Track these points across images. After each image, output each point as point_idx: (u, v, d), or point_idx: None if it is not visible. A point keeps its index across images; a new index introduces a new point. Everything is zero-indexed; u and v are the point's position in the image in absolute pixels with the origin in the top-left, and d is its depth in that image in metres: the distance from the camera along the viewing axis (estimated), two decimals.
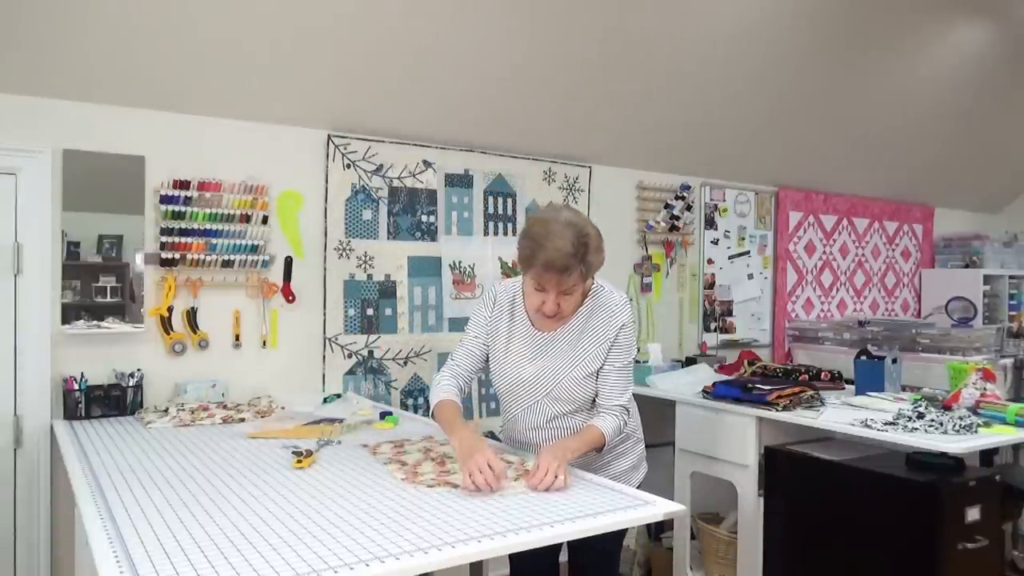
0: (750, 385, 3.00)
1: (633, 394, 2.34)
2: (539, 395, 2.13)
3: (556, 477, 1.80)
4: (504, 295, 2.20)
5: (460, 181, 3.58)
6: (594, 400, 2.13)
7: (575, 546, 2.14)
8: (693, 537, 3.42)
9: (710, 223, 4.53)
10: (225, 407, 2.75)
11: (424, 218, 3.47)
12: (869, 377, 3.19)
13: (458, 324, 3.55)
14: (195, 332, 2.95)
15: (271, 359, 3.11)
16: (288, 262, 3.13)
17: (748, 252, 4.73)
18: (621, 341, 2.09)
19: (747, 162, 4.57)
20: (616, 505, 1.71)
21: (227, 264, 2.98)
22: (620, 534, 2.19)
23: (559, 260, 1.91)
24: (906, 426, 2.54)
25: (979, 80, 4.84)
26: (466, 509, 1.64)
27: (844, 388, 3.35)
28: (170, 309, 2.89)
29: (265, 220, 3.05)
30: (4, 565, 2.67)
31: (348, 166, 3.28)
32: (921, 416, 2.58)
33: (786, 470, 2.80)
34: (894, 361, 3.24)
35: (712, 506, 3.48)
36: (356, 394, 3.25)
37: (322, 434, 2.38)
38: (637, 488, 2.02)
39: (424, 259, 3.47)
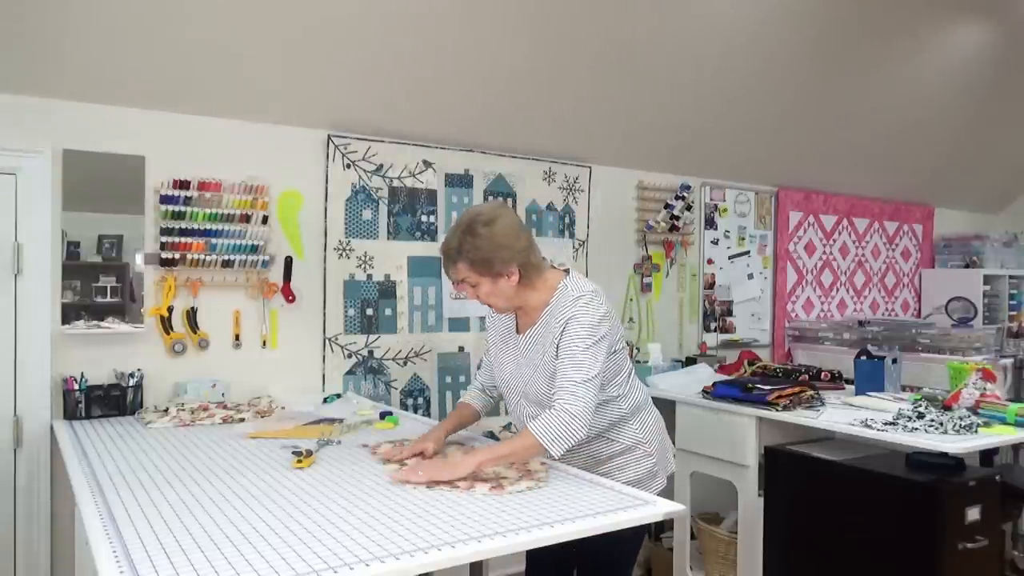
0: (750, 385, 3.00)
1: (642, 400, 2.25)
2: (517, 395, 2.16)
3: (418, 474, 1.86)
4: None
5: (460, 181, 3.58)
6: None
7: (585, 554, 2.13)
8: (693, 537, 3.42)
9: (710, 223, 4.53)
10: (225, 407, 2.75)
11: (424, 218, 3.47)
12: (869, 377, 3.19)
13: (458, 324, 3.56)
14: (195, 332, 2.95)
15: (271, 359, 3.11)
16: (288, 262, 3.13)
17: (748, 252, 4.73)
18: (567, 334, 1.97)
19: (747, 162, 4.57)
20: (616, 505, 1.71)
21: (227, 264, 2.98)
22: (635, 544, 2.15)
23: (443, 251, 2.05)
24: (906, 426, 2.54)
25: (979, 80, 4.84)
26: (466, 509, 1.64)
27: (844, 388, 3.35)
28: (170, 309, 2.89)
29: (265, 220, 3.05)
30: (4, 565, 2.67)
31: (348, 166, 3.28)
32: (921, 416, 2.58)
33: (786, 470, 2.80)
34: (894, 361, 3.24)
35: (712, 506, 3.48)
36: (356, 394, 3.25)
37: (322, 434, 2.38)
38: None
39: (424, 259, 3.47)
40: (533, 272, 2.04)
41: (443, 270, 2.19)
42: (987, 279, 5.56)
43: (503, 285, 2.01)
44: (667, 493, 2.10)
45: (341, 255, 3.27)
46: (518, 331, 2.15)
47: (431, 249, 3.48)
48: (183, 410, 2.65)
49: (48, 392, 2.70)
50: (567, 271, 2.11)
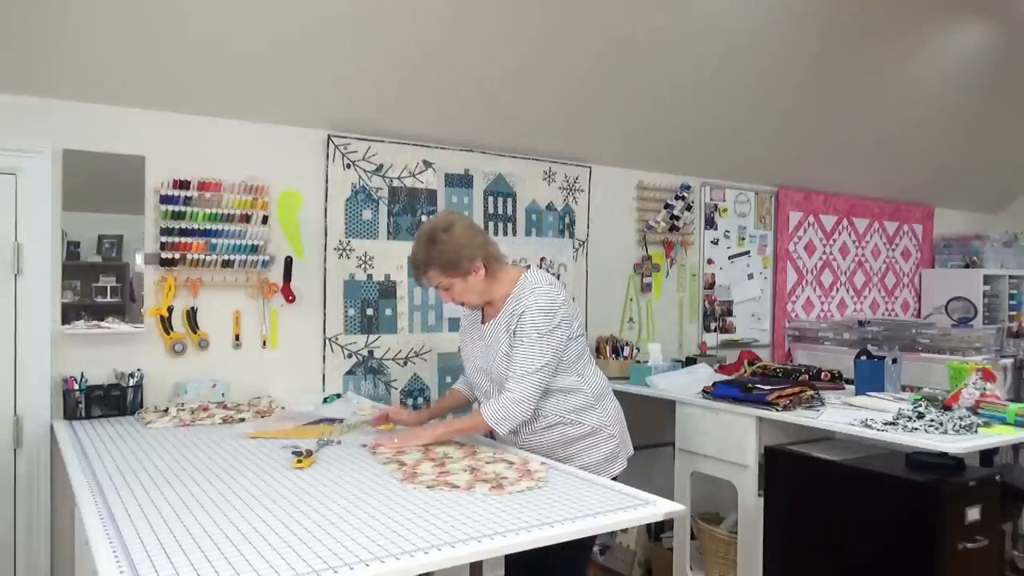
0: (750, 385, 3.00)
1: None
2: (485, 379, 2.34)
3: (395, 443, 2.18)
4: None
5: (460, 181, 3.58)
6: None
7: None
8: (693, 537, 3.41)
9: (710, 223, 4.53)
10: (225, 407, 2.75)
11: (424, 218, 3.46)
12: (869, 377, 3.19)
13: (458, 324, 3.54)
14: (195, 332, 2.95)
15: (271, 359, 3.11)
16: (288, 262, 3.13)
17: (748, 252, 4.73)
18: (521, 325, 2.19)
19: (747, 162, 4.57)
20: (616, 505, 1.71)
21: (227, 264, 2.98)
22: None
23: (412, 263, 2.31)
24: (906, 426, 2.54)
25: (979, 80, 4.83)
26: (466, 509, 1.64)
27: (844, 388, 3.35)
28: (170, 309, 2.89)
29: (265, 220, 3.05)
30: (4, 565, 2.67)
31: (348, 166, 3.28)
32: (921, 416, 2.58)
33: (786, 470, 2.80)
34: (894, 361, 3.24)
35: (712, 506, 3.48)
36: (356, 394, 3.25)
37: (322, 434, 2.38)
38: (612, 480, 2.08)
39: None
40: (496, 264, 2.28)
41: (415, 280, 2.36)
42: (987, 279, 5.56)
43: (472, 281, 2.25)
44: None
45: (341, 255, 3.27)
46: (483, 321, 2.36)
47: None
48: (183, 410, 2.65)
49: (48, 392, 2.70)
50: (528, 267, 2.34)
